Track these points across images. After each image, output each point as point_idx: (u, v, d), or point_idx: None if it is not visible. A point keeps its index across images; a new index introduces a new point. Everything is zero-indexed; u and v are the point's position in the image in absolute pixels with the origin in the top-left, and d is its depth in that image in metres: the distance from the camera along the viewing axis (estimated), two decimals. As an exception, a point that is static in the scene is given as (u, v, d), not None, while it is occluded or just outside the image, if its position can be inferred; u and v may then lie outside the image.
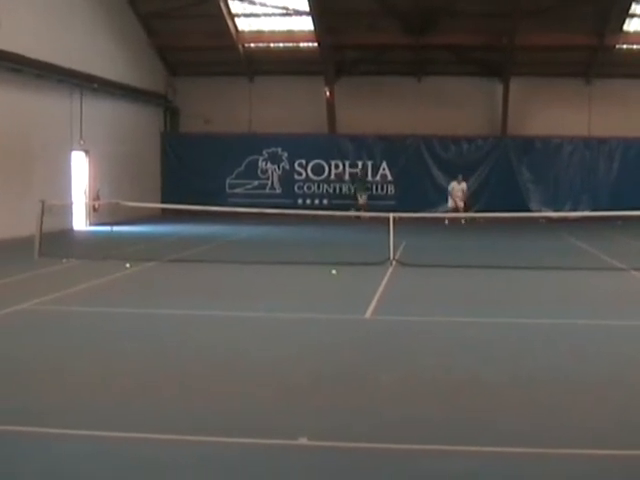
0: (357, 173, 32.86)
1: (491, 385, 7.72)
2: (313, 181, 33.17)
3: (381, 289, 13.47)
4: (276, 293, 13.39)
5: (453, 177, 31.02)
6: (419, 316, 11.26)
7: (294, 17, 29.89)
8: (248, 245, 22.29)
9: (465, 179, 30.72)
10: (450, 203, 30.50)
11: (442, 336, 10.08)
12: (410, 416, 6.72)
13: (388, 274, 15.28)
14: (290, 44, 30.93)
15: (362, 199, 32.14)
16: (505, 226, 27.16)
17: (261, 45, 31.01)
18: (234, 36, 30.04)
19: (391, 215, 17.64)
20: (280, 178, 33.08)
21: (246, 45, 30.93)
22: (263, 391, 7.37)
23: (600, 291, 13.98)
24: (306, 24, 29.97)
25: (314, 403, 7.07)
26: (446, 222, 28.29)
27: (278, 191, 32.97)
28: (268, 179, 33.14)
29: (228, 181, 33.04)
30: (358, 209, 30.91)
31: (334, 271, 15.47)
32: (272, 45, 31.00)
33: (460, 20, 29.03)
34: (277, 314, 11.32)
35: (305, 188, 33.16)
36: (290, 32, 30.31)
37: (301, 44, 31.06)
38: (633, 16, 28.93)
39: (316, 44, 30.72)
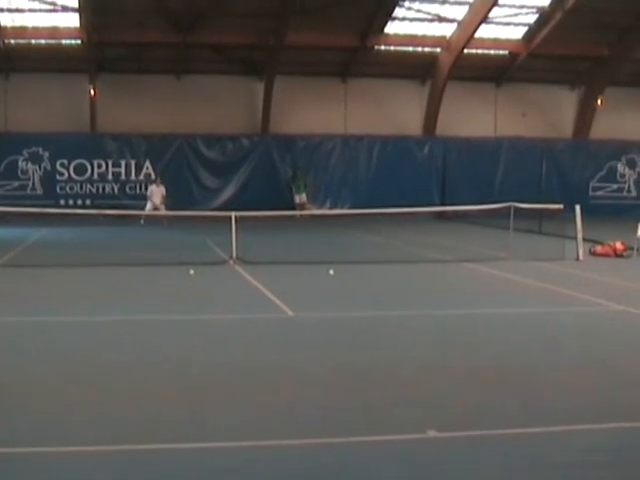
0: (295, 172, 35.43)
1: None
2: (76, 181, 34.63)
3: (261, 287, 15.35)
4: (169, 295, 15.14)
5: (152, 181, 33.44)
6: (336, 312, 13.29)
7: (60, 13, 30.60)
8: (61, 247, 23.88)
9: (163, 182, 32.75)
10: (149, 205, 32.01)
11: (396, 327, 12.29)
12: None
13: (244, 272, 17.83)
14: (53, 41, 31.48)
15: (300, 198, 34.76)
16: (265, 223, 28.32)
17: (22, 41, 31.57)
18: (-4, 32, 30.34)
19: (233, 214, 19.42)
20: (41, 179, 33.77)
21: (6, 41, 31.16)
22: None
23: (467, 282, 17.23)
24: (72, 21, 31.06)
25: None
26: (142, 222, 30.43)
27: (39, 192, 34.29)
28: (29, 180, 34.03)
29: (-14, 183, 33.22)
30: (297, 208, 33.74)
31: (192, 271, 17.21)
32: (34, 42, 31.59)
33: (229, 19, 31.67)
34: (201, 316, 13.00)
35: (67, 188, 34.66)
36: (55, 28, 31.72)
37: (64, 41, 31.92)
38: (395, 19, 33.23)
39: (79, 41, 31.65)
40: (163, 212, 30.60)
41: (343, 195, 36.64)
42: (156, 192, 32.15)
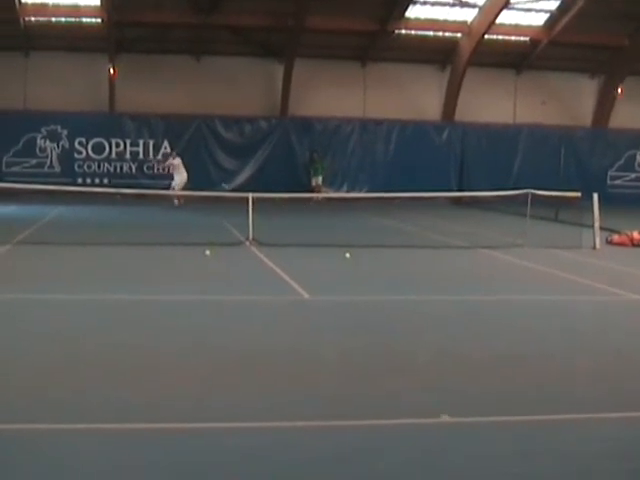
0: (312, 155, 35.31)
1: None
2: (94, 160, 34.60)
3: (278, 269, 15.26)
4: (184, 276, 15.14)
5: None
6: (351, 295, 13.32)
7: (82, -9, 30.79)
8: (77, 226, 23.86)
9: (178, 155, 32.35)
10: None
11: (405, 312, 12.29)
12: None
13: (260, 254, 17.78)
14: (73, 19, 31.43)
15: (316, 181, 34.92)
16: (281, 205, 27.95)
17: (42, 19, 31.56)
18: (17, 9, 30.13)
19: (250, 195, 19.38)
20: (59, 157, 33.89)
21: (27, 18, 31.13)
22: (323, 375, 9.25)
23: (483, 269, 17.19)
24: (93, -1, 30.96)
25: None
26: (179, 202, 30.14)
27: (57, 170, 34.38)
28: (47, 157, 34.05)
29: (5, 159, 33.65)
30: (314, 191, 33.64)
31: (208, 252, 17.15)
32: (54, 19, 31.61)
33: (249, 1, 31.66)
34: (216, 297, 12.90)
35: (85, 167, 34.68)
36: (75, 6, 31.59)
37: (84, 19, 31.81)
38: (416, 3, 33.19)
39: (100, 20, 31.59)
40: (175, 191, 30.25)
41: (360, 179, 36.52)
42: (173, 166, 31.82)
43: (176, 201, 30.06)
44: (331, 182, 35.90)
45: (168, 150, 34.34)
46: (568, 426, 7.01)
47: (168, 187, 31.11)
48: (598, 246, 19.90)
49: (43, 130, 34.22)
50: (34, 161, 34.22)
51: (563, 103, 38.37)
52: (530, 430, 6.93)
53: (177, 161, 31.69)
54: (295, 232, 22.39)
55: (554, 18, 34.50)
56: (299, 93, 35.70)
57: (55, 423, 6.74)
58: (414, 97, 37.08)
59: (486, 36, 34.38)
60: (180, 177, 31.05)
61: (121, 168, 35.10)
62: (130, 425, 6.75)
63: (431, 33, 35.35)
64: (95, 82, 34.30)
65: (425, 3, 33.66)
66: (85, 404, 7.25)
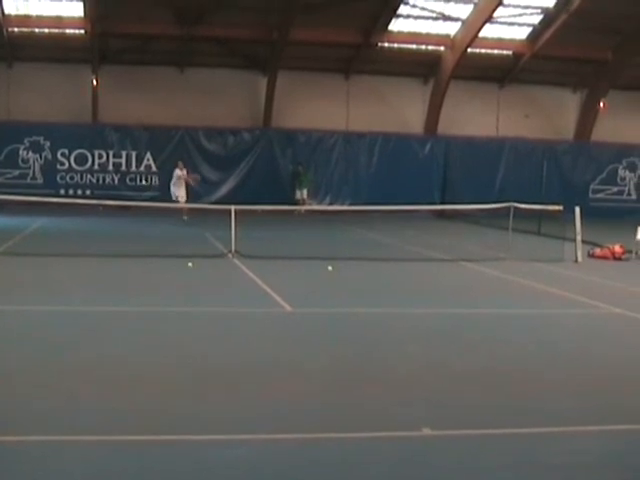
0: (297, 168, 35.42)
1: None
2: (76, 171, 34.63)
3: (260, 281, 15.27)
4: (167, 288, 15.11)
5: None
6: (334, 308, 13.33)
7: (64, 2, 30.70)
8: (59, 237, 23.87)
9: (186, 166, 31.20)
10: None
11: (399, 325, 12.28)
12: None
13: (243, 266, 17.78)
14: (56, 30, 31.43)
15: (301, 194, 34.92)
16: (264, 217, 27.70)
17: (26, 30, 31.54)
18: (0, 20, 30.29)
19: (232, 207, 19.41)
20: (42, 168, 33.83)
21: (10, 29, 31.13)
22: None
23: (465, 282, 17.16)
24: (76, 10, 31.01)
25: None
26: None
27: (40, 181, 34.23)
28: (30, 169, 34.02)
29: (-13, 171, 33.30)
30: (298, 204, 33.59)
31: (190, 264, 17.17)
32: (37, 30, 31.61)
33: (233, 13, 31.77)
34: (198, 309, 12.91)
35: (68, 178, 34.58)
36: (59, 18, 31.64)
37: (67, 30, 31.84)
38: (399, 16, 33.40)
39: (83, 31, 31.65)
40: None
41: (343, 192, 36.62)
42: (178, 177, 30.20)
43: (185, 217, 29.08)
44: (315, 194, 35.98)
45: (152, 164, 34.40)
46: (551, 439, 7.01)
47: (147, 199, 30.82)
48: (580, 259, 19.99)
49: (26, 141, 34.23)
50: (17, 172, 34.22)
51: (546, 117, 38.61)
52: (513, 443, 6.95)
53: (183, 173, 30.48)
54: (277, 244, 22.45)
55: (537, 32, 34.71)
56: (282, 105, 35.78)
57: (42, 435, 6.71)
58: (397, 110, 37.25)
59: (469, 50, 34.55)
60: (180, 191, 30.00)
61: (104, 179, 35.06)
62: (115, 437, 6.73)
63: (414, 46, 35.50)
64: (78, 93, 34.37)
65: (409, 17, 33.80)
66: (71, 416, 7.25)
